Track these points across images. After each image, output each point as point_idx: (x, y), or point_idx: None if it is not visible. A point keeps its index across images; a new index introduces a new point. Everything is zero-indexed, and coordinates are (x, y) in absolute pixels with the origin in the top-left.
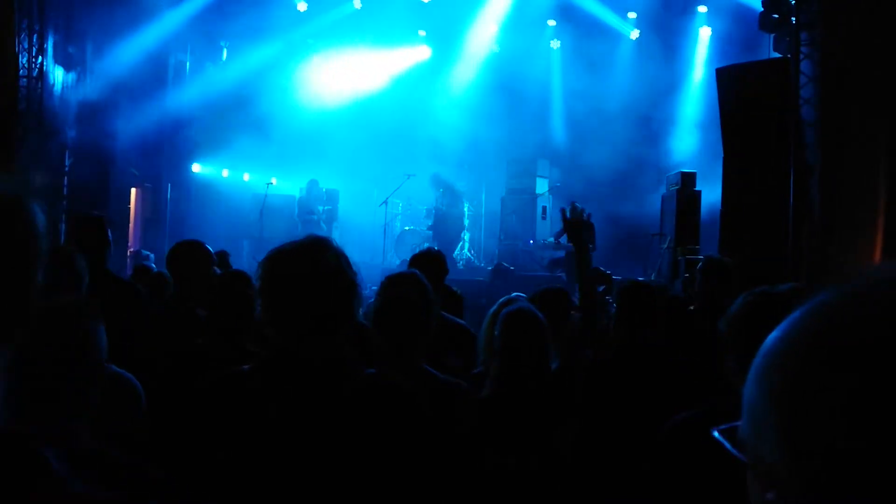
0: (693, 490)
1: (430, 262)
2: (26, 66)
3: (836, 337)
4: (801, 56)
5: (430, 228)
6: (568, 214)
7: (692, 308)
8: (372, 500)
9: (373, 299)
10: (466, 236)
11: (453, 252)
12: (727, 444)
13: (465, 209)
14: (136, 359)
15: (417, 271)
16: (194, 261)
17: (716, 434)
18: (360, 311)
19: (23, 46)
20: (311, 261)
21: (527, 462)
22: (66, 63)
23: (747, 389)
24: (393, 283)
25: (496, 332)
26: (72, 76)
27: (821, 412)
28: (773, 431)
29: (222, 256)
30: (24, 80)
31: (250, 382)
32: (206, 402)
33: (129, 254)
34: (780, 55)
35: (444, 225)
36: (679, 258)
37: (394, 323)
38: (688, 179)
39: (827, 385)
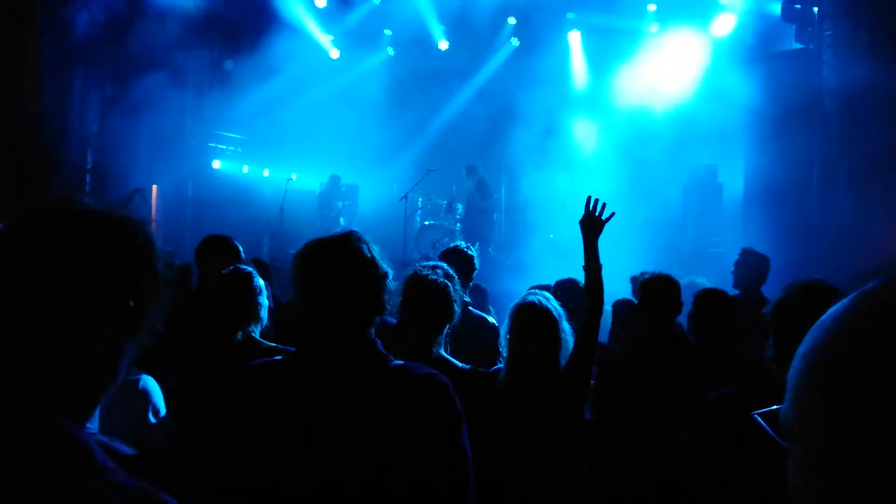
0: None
1: (458, 258)
2: (49, 63)
3: (886, 323)
4: (825, 46)
5: (459, 222)
6: (590, 206)
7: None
8: (400, 486)
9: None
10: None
11: (488, 247)
12: (767, 428)
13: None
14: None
15: (444, 264)
16: (222, 256)
17: (756, 417)
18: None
19: (45, 43)
20: (343, 253)
21: (537, 451)
22: (89, 60)
23: (793, 374)
24: (421, 273)
25: (505, 325)
26: (94, 73)
27: (870, 396)
28: (821, 416)
29: (261, 265)
30: (47, 76)
31: (285, 372)
32: (240, 391)
33: None
34: (803, 45)
35: (476, 219)
36: (701, 251)
37: (420, 311)
38: (709, 172)
39: (876, 370)
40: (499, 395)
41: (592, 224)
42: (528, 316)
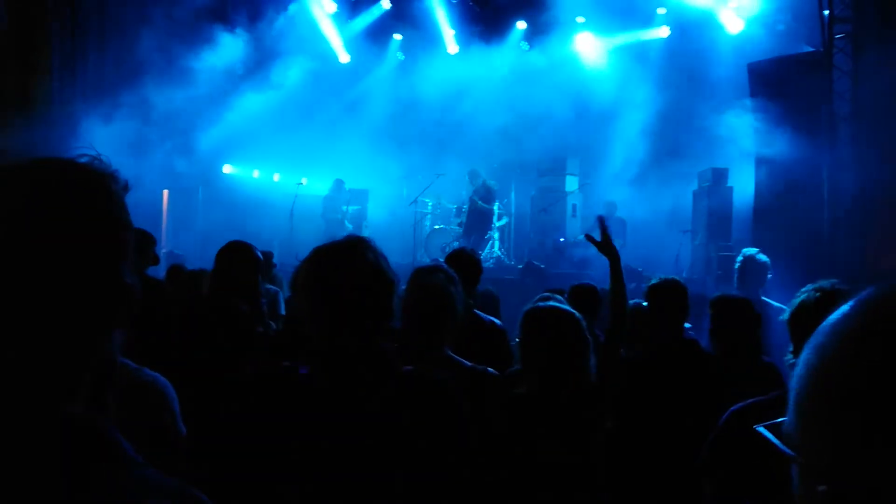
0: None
1: (463, 261)
2: (59, 65)
3: (885, 331)
4: (835, 50)
5: (460, 225)
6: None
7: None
8: (408, 491)
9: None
10: (496, 235)
11: (483, 249)
12: (772, 438)
13: (496, 208)
14: (171, 357)
15: (444, 263)
16: (243, 261)
17: (760, 429)
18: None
19: (55, 47)
20: (351, 260)
21: (561, 457)
22: (98, 63)
23: (794, 382)
24: (420, 274)
25: (518, 331)
26: (104, 78)
27: (867, 404)
28: (820, 423)
29: (266, 256)
30: (57, 82)
31: (291, 379)
32: (248, 397)
33: (161, 254)
34: (813, 49)
35: (476, 220)
36: (711, 255)
37: (421, 312)
38: (719, 176)
39: (875, 379)
40: (518, 401)
41: (609, 246)
42: (538, 321)
